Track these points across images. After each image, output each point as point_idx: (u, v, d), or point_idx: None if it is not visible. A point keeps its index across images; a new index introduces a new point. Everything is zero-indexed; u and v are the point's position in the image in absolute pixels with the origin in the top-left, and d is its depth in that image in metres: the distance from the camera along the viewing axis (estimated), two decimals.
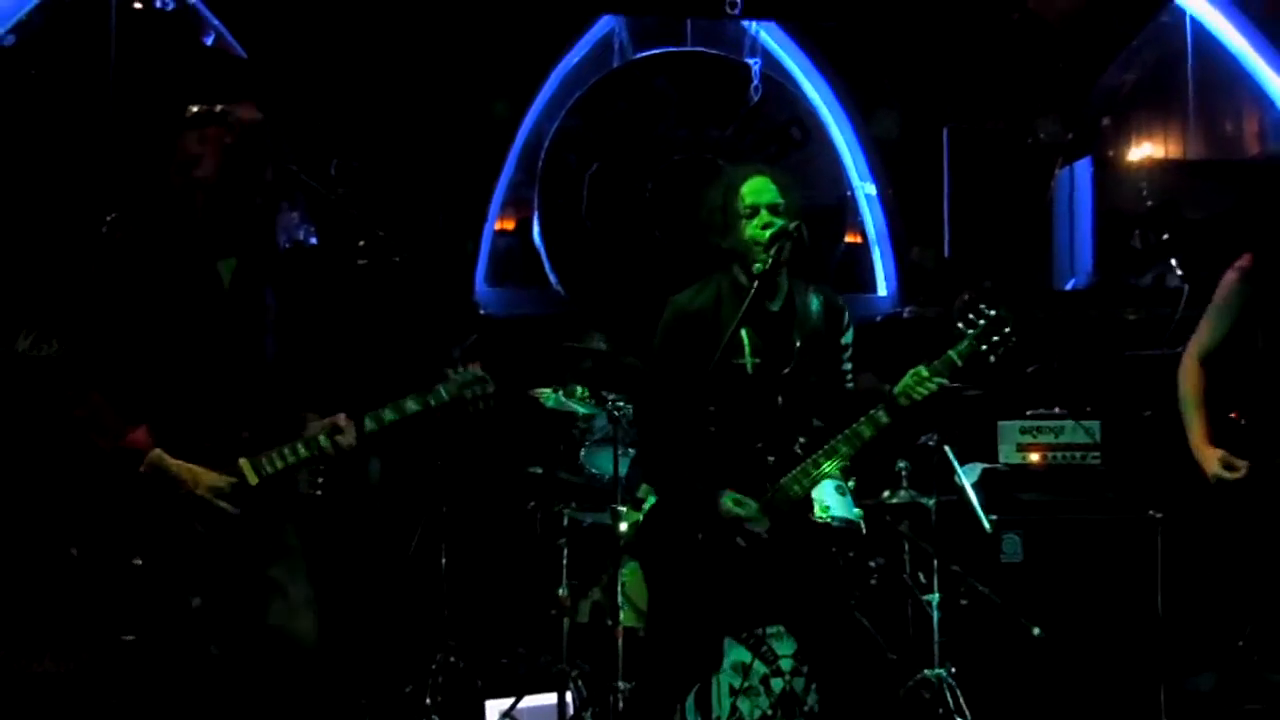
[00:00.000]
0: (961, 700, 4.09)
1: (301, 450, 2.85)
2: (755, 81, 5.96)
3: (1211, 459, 3.39)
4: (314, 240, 5.36)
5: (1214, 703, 4.60)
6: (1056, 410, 4.99)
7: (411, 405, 2.95)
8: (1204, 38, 6.47)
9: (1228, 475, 3.35)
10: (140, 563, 2.69)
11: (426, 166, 5.62)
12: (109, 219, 2.90)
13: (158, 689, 2.72)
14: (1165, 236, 5.88)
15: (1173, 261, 5.85)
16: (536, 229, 5.97)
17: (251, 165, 2.90)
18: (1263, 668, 4.48)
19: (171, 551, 2.73)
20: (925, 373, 3.07)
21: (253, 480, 2.80)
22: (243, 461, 2.82)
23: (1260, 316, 3.36)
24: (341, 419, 2.89)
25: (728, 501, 3.11)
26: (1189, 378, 3.52)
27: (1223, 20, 6.42)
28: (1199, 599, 4.66)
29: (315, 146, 5.33)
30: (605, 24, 6.06)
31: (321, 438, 2.85)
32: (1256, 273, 3.36)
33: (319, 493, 3.57)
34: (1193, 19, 6.45)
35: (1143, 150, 6.49)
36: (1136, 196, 5.94)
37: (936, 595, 4.23)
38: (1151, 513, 4.69)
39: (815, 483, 3.23)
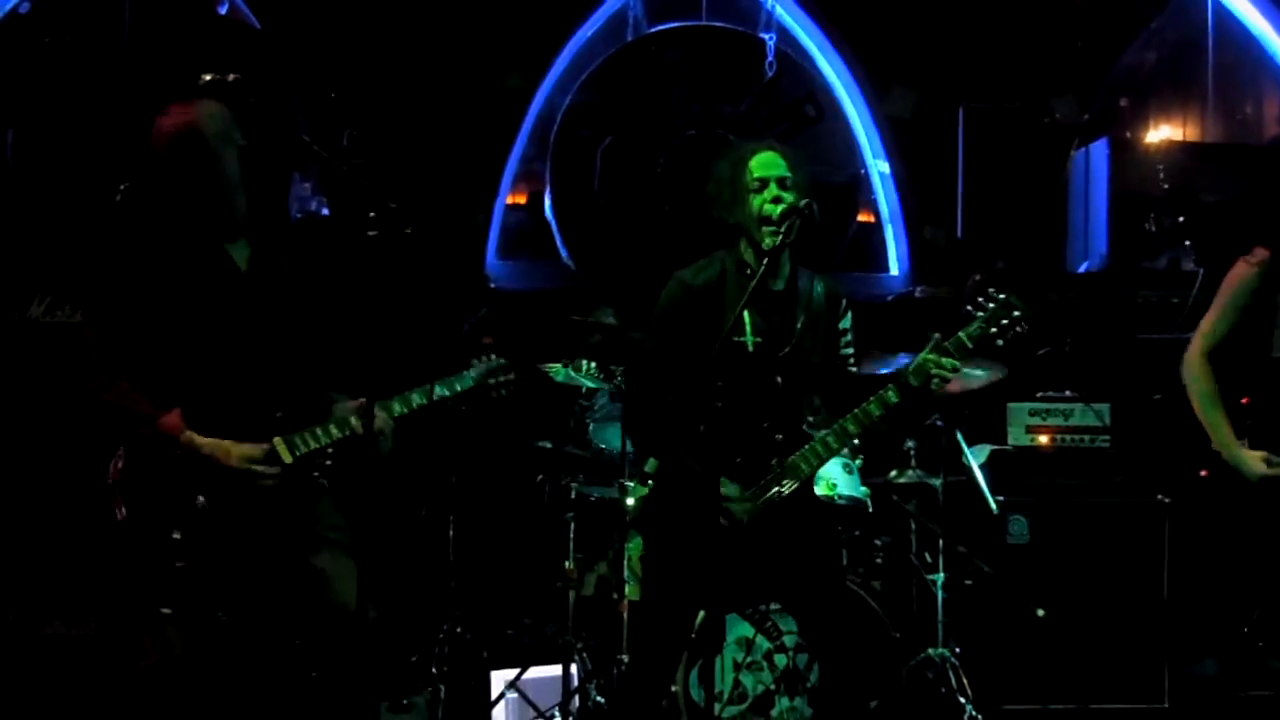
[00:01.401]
0: (964, 680, 4.10)
1: (334, 430, 2.90)
2: (770, 57, 5.92)
3: (1254, 459, 3.28)
4: (326, 211, 5.37)
5: (1218, 688, 4.61)
6: (1066, 393, 4.98)
7: (440, 391, 3.03)
8: (1225, 19, 6.40)
9: (1273, 471, 3.24)
10: (179, 537, 2.72)
11: (439, 138, 5.61)
12: (123, 188, 2.91)
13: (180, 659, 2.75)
14: (1180, 220, 5.84)
15: (1187, 245, 5.81)
16: (548, 203, 5.96)
17: (265, 143, 2.91)
18: (1267, 654, 4.49)
19: (207, 526, 2.77)
20: (935, 354, 3.07)
21: (288, 459, 2.85)
22: (277, 440, 2.86)
23: (1275, 313, 3.27)
24: (364, 401, 2.92)
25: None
26: (1204, 376, 3.39)
27: (1244, 2, 6.35)
28: (1205, 584, 4.66)
29: (328, 117, 5.33)
30: None
31: (353, 419, 2.89)
32: (1271, 267, 3.27)
33: (328, 462, 3.58)
34: (1214, 1, 6.38)
35: (1160, 132, 6.43)
36: (1152, 179, 5.90)
37: (942, 575, 4.24)
38: (1160, 497, 4.68)
39: (823, 461, 3.24)
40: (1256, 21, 6.38)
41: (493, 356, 3.17)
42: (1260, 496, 3.23)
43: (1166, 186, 5.87)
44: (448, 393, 3.07)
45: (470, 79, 5.67)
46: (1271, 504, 3.21)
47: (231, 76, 2.94)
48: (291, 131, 3.03)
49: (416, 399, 3.02)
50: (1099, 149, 5.99)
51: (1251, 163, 5.74)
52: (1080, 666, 4.52)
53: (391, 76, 5.53)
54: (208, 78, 2.90)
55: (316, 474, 2.95)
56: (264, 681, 2.83)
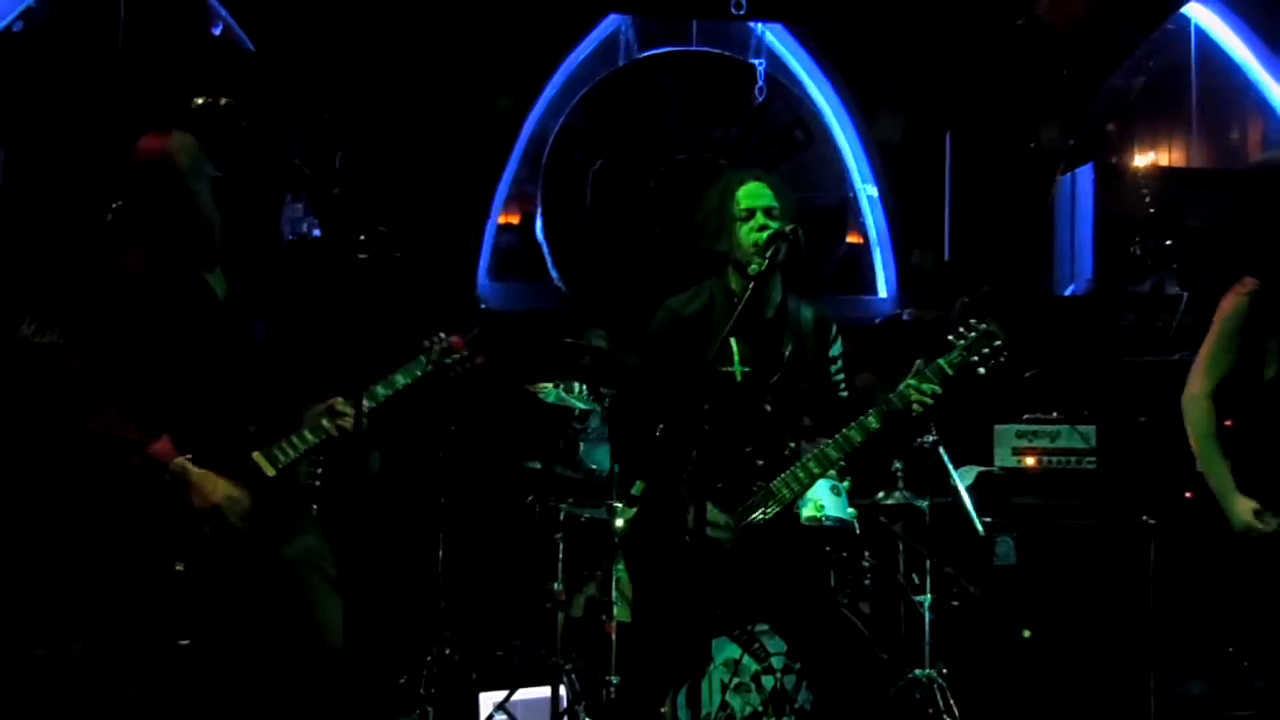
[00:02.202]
0: (951, 701, 4.11)
1: (309, 436, 2.93)
2: (760, 82, 5.98)
3: (1244, 509, 3.23)
4: (318, 233, 5.39)
5: (1203, 708, 4.63)
6: (1053, 415, 5.01)
7: (399, 379, 3.08)
8: (1208, 47, 6.49)
9: (1260, 528, 3.20)
10: (182, 568, 2.73)
11: (431, 160, 5.65)
12: (114, 207, 2.94)
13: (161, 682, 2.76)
14: (1166, 244, 5.89)
15: (1172, 269, 5.87)
16: (540, 225, 5.99)
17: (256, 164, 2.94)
18: (1252, 674, 4.51)
19: (199, 554, 2.78)
20: (916, 380, 3.09)
21: (270, 472, 2.87)
22: (257, 455, 2.88)
23: (1268, 343, 3.22)
24: (339, 402, 2.95)
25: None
26: (1205, 417, 3.29)
27: (1226, 30, 6.44)
28: (1190, 605, 4.69)
29: (321, 139, 5.36)
30: (612, 22, 6.08)
31: (325, 421, 2.91)
32: (1262, 296, 3.23)
33: (317, 483, 3.61)
34: (1197, 28, 6.47)
35: (1145, 157, 6.50)
36: (1138, 203, 5.96)
37: (929, 596, 4.26)
38: (1145, 518, 4.71)
39: (806, 486, 3.26)
40: (1239, 49, 6.47)
41: (442, 336, 3.21)
42: (1242, 542, 3.22)
43: (1151, 211, 5.93)
44: (408, 379, 3.11)
45: (463, 100, 5.71)
46: (1252, 552, 3.19)
47: (224, 100, 2.95)
48: (283, 154, 3.05)
49: (381, 390, 3.08)
50: (1084, 174, 6.06)
51: (1235, 188, 5.81)
52: (1067, 687, 4.54)
53: (384, 98, 5.57)
54: (200, 100, 2.92)
55: (315, 478, 2.96)
56: (250, 709, 2.83)
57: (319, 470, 3.75)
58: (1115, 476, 4.92)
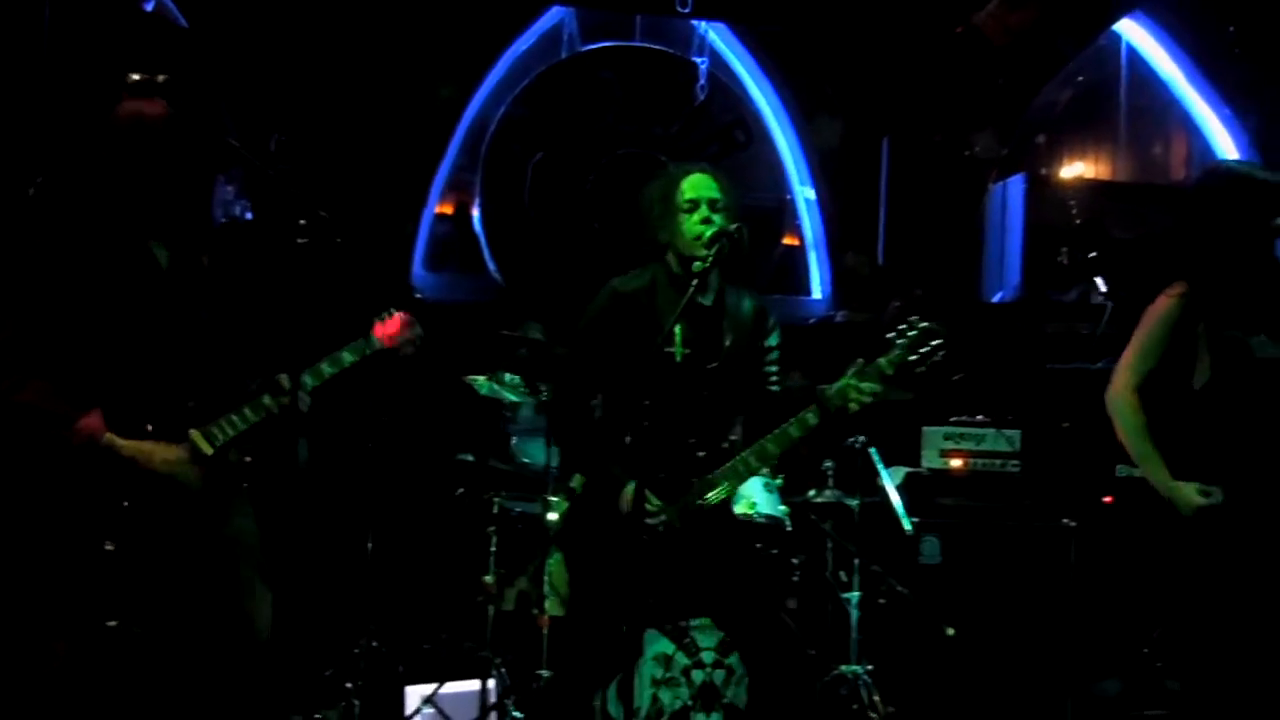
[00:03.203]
0: (876, 697, 4.17)
1: (249, 414, 2.87)
2: (702, 81, 6.01)
3: (1189, 492, 3.20)
4: (250, 216, 5.29)
5: (1118, 707, 4.76)
6: (979, 418, 5.10)
7: (346, 356, 3.04)
8: (1138, 64, 6.66)
9: (1208, 502, 3.19)
10: (111, 548, 2.66)
11: (368, 146, 5.57)
12: (37, 182, 2.85)
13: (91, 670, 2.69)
14: (1091, 255, 6.04)
15: (1097, 280, 6.01)
16: (478, 215, 5.95)
17: (194, 144, 2.87)
18: (1165, 675, 4.64)
19: (134, 534, 2.71)
20: (855, 378, 3.12)
21: (207, 450, 2.81)
22: (194, 433, 2.81)
23: (1198, 345, 3.26)
24: (283, 379, 2.89)
25: (629, 492, 3.14)
26: (1133, 411, 3.29)
27: (1157, 48, 6.62)
28: (1107, 607, 4.81)
29: (255, 120, 5.26)
30: (555, 14, 6.06)
31: (266, 398, 2.86)
32: (1193, 299, 3.28)
33: (237, 459, 3.54)
34: (1128, 45, 6.64)
35: (1073, 169, 6.66)
36: (1065, 214, 6.10)
37: (856, 594, 4.31)
38: (1065, 521, 4.82)
39: (742, 480, 3.28)
40: (1167, 67, 6.65)
41: (392, 311, 3.17)
42: (1195, 528, 3.25)
43: (1078, 222, 6.07)
44: (355, 357, 3.07)
45: (402, 87, 5.64)
46: (1206, 533, 3.23)
47: (161, 76, 2.88)
48: (219, 134, 2.98)
49: (326, 368, 3.02)
50: (1015, 183, 6.18)
51: (1159, 202, 5.98)
52: (987, 685, 4.63)
53: (321, 81, 5.48)
54: (136, 77, 2.85)
55: (244, 459, 2.90)
56: (171, 695, 2.76)
57: (247, 458, 3.68)
58: (1038, 480, 5.02)
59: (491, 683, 4.05)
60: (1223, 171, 3.52)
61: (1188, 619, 3.32)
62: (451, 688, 4.14)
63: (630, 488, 3.12)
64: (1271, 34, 6.29)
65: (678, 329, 3.22)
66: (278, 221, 4.92)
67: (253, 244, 5.02)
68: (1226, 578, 3.21)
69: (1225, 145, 6.56)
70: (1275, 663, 3.20)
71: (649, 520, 3.14)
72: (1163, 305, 3.32)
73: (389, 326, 3.21)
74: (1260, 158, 6.43)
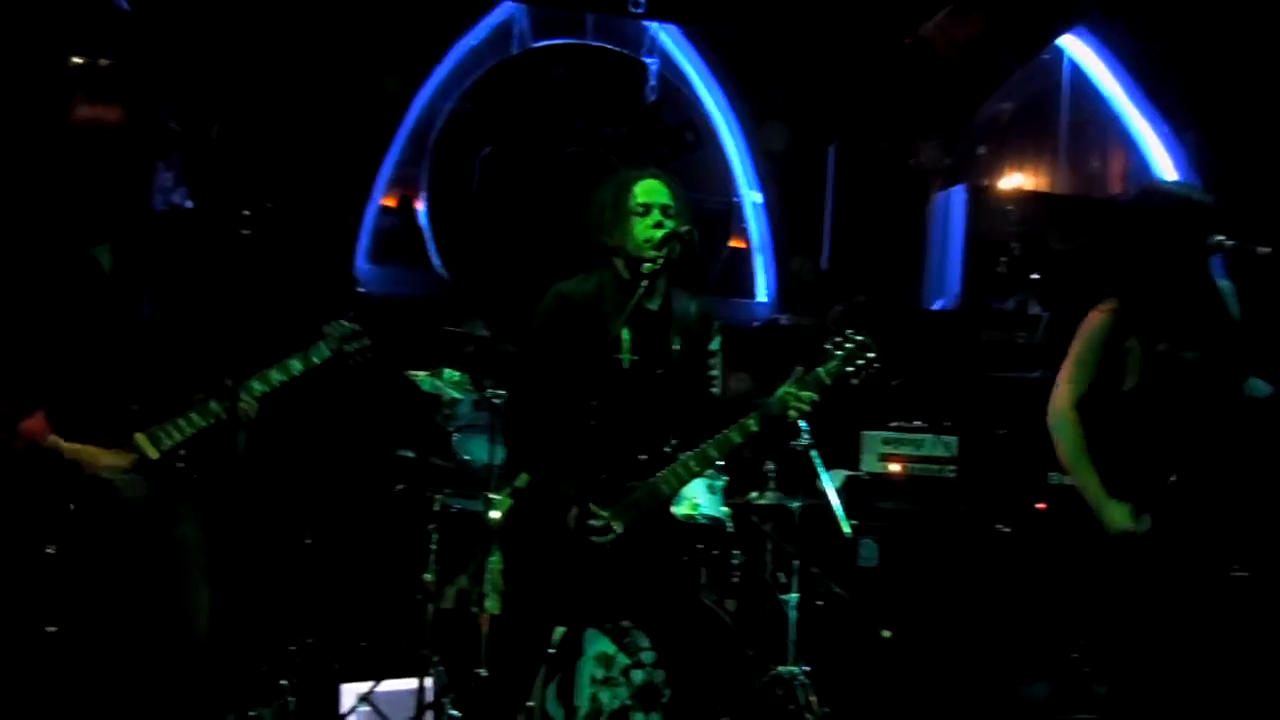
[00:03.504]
0: (812, 698, 4.21)
1: (196, 419, 2.82)
2: (652, 81, 6.01)
3: (1121, 514, 3.27)
4: (189, 204, 5.19)
5: (1047, 710, 4.85)
6: (917, 424, 5.17)
7: (296, 365, 2.99)
8: (1079, 78, 6.80)
9: (1134, 528, 3.27)
10: (53, 551, 2.59)
11: (312, 136, 5.49)
12: None
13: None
14: (1029, 265, 6.15)
15: (1035, 290, 6.13)
16: (424, 209, 5.90)
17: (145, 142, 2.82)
18: (1093, 680, 4.75)
19: (79, 537, 2.65)
20: (795, 387, 3.17)
21: (153, 454, 2.76)
22: (139, 437, 2.76)
23: (1129, 358, 3.34)
24: (229, 384, 2.85)
25: (574, 513, 3.15)
26: (1073, 430, 3.35)
27: (1098, 63, 6.76)
28: (1038, 611, 4.90)
29: (197, 107, 5.16)
30: (505, 10, 6.02)
31: (213, 403, 2.81)
32: (1124, 313, 3.36)
33: (181, 464, 3.48)
34: (1070, 60, 6.77)
35: (1014, 181, 6.78)
36: (1005, 225, 6.20)
37: (795, 595, 4.35)
38: (999, 527, 4.90)
39: (684, 484, 3.30)
40: (1108, 83, 6.80)
41: (344, 322, 3.14)
42: (1109, 547, 3.33)
43: (1018, 233, 6.18)
44: (303, 366, 3.03)
45: (348, 77, 5.57)
46: (1129, 551, 3.31)
47: (103, 61, 2.82)
48: (161, 120, 2.93)
49: (276, 375, 2.98)
50: (958, 193, 6.28)
51: (1097, 215, 6.11)
52: (921, 686, 4.70)
53: (265, 69, 5.39)
54: (78, 61, 2.78)
55: (182, 465, 2.85)
56: (109, 695, 2.71)
57: (183, 452, 3.62)
58: (974, 485, 5.10)
59: (429, 681, 4.02)
60: (1158, 193, 3.62)
61: (1112, 626, 3.41)
62: (388, 686, 4.10)
63: (575, 510, 3.13)
64: (1210, 53, 6.45)
65: (625, 334, 3.23)
66: (220, 211, 4.83)
67: (193, 234, 4.93)
68: (1147, 589, 3.29)
69: (1162, 162, 6.73)
70: (1196, 669, 3.29)
71: (595, 539, 3.14)
72: (1095, 321, 3.41)
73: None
74: (1197, 175, 6.61)
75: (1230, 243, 3.40)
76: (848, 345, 3.19)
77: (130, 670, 2.72)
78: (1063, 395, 3.41)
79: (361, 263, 5.82)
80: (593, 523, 3.13)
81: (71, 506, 2.66)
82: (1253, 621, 4.37)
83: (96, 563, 2.68)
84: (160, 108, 4.86)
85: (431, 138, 5.90)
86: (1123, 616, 3.36)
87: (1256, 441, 3.49)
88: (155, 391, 2.83)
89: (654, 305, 3.32)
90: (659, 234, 3.21)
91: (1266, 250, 3.37)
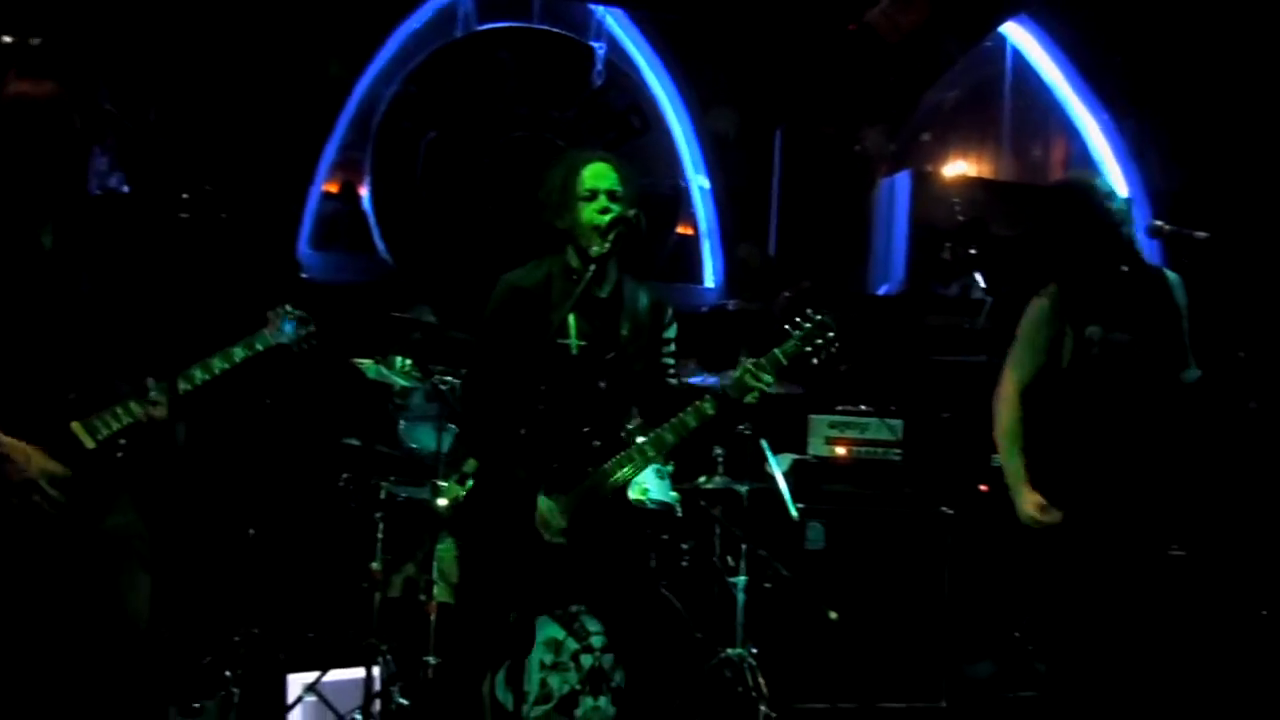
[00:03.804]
0: (760, 679, 4.24)
1: (135, 408, 2.76)
2: (599, 66, 5.99)
3: (1029, 501, 3.38)
4: (126, 189, 5.08)
5: (990, 688, 4.94)
6: (863, 408, 5.22)
7: (239, 352, 2.94)
8: (1022, 67, 6.89)
9: (1042, 520, 3.36)
10: None
11: (252, 119, 5.39)
12: None
13: None
14: (972, 251, 6.22)
15: (977, 275, 6.21)
16: (367, 194, 5.83)
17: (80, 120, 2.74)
18: (1035, 658, 4.84)
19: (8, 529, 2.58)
20: (753, 368, 3.17)
21: (89, 444, 2.70)
22: (76, 426, 2.70)
23: (1067, 344, 3.41)
24: (150, 385, 2.79)
25: (541, 505, 3.14)
26: (1011, 411, 3.45)
27: (1041, 52, 6.85)
28: (981, 592, 4.98)
29: (135, 89, 5.05)
30: None
31: (134, 405, 2.76)
32: (1061, 298, 3.44)
33: (120, 454, 3.41)
34: (1013, 48, 6.85)
35: (957, 167, 6.85)
36: (949, 211, 6.27)
37: (743, 578, 4.38)
38: (943, 509, 4.97)
39: (640, 469, 3.29)
40: (1050, 72, 6.89)
41: (288, 308, 3.09)
42: (1035, 531, 3.41)
43: (961, 219, 6.25)
44: (247, 352, 2.97)
45: (289, 59, 5.48)
46: (1047, 538, 3.38)
47: (34, 40, 2.74)
48: (97, 102, 2.85)
49: (218, 363, 2.92)
50: (902, 179, 6.33)
51: (1038, 202, 6.18)
52: (867, 667, 4.75)
53: (205, 50, 5.28)
54: (7, 39, 2.71)
55: (120, 454, 2.79)
56: (47, 685, 2.65)
57: (122, 441, 3.55)
58: (918, 468, 5.16)
59: (376, 670, 3.99)
60: (1063, 182, 3.72)
61: (1051, 605, 3.48)
62: (335, 675, 4.07)
63: (542, 503, 3.11)
64: (1150, 42, 6.56)
65: (571, 321, 3.22)
66: (157, 194, 4.73)
67: (130, 218, 4.82)
68: (1084, 569, 3.36)
69: (1103, 149, 6.84)
70: (1131, 648, 3.37)
71: (546, 537, 3.14)
72: (1036, 305, 3.49)
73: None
74: (1136, 163, 6.73)
75: (1168, 228, 3.48)
76: (806, 325, 3.17)
77: (70, 663, 2.67)
78: (1008, 381, 3.50)
79: (304, 249, 5.74)
80: (549, 520, 3.13)
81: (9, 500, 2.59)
82: (1190, 600, 4.47)
83: (27, 556, 2.62)
84: (95, 88, 4.75)
85: (375, 122, 5.83)
86: (1060, 596, 3.43)
87: (1186, 423, 3.57)
88: (93, 380, 2.76)
89: (603, 292, 3.31)
90: (606, 219, 3.20)
91: (1203, 235, 3.44)
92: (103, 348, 2.82)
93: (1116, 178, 6.67)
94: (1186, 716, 4.15)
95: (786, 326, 3.18)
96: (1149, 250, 3.66)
